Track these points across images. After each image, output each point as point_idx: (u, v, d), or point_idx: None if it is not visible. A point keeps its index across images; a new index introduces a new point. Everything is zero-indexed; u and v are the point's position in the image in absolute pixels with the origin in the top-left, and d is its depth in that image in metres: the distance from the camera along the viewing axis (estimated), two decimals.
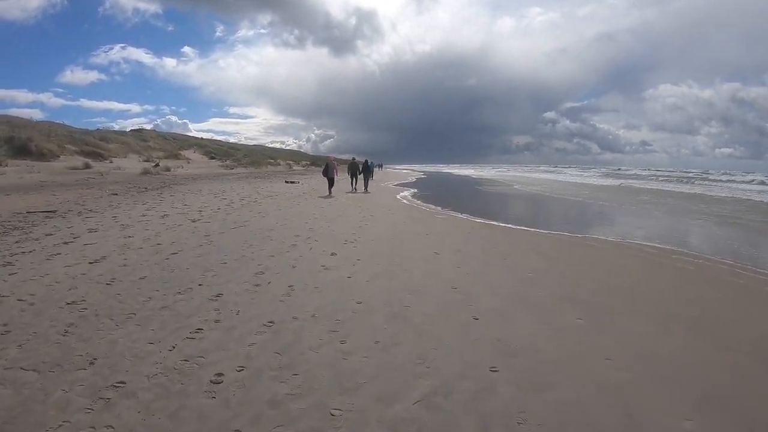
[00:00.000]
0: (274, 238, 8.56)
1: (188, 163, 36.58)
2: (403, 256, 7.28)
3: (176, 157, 36.72)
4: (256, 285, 5.49)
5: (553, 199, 22.03)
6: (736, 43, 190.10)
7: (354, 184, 21.71)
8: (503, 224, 11.81)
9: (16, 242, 8.07)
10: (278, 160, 57.07)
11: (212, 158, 42.41)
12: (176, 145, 43.11)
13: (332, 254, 7.25)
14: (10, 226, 9.41)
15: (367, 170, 22.28)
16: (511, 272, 6.57)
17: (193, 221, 10.47)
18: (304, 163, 67.21)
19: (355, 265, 6.57)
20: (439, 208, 14.95)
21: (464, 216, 13.11)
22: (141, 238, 8.40)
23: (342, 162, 28.85)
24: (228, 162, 41.10)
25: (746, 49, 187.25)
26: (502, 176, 57.86)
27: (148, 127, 61.00)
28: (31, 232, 8.96)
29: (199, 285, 5.51)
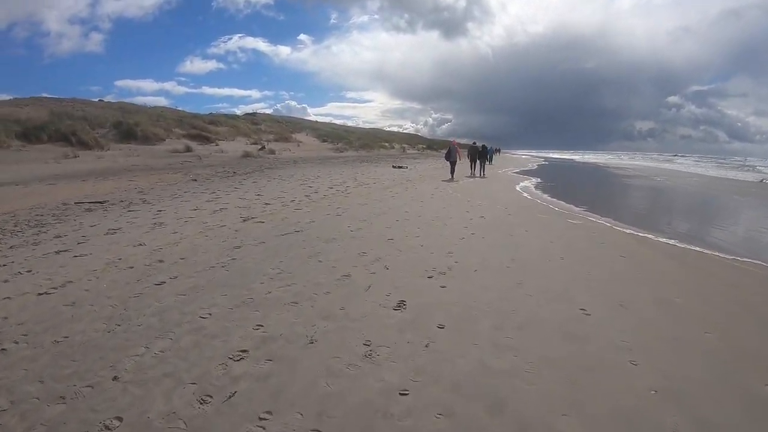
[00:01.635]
0: (324, 259, 5.77)
1: (298, 146, 36.36)
2: (523, 318, 3.90)
3: (286, 140, 36.72)
4: (202, 401, 2.66)
5: (711, 199, 15.92)
6: None
7: (473, 168, 21.91)
8: (666, 240, 7.62)
9: (10, 248, 6.55)
10: (393, 144, 55.10)
11: (324, 141, 41.93)
12: (288, 128, 43.51)
13: (397, 306, 4.14)
14: (34, 222, 8.16)
15: (484, 155, 22.29)
16: (739, 388, 2.90)
17: (244, 220, 8.28)
18: (420, 146, 64.31)
19: (429, 346, 3.36)
20: (573, 207, 10.90)
21: (606, 221, 9.02)
22: (151, 248, 6.32)
23: (462, 146, 26.55)
24: (339, 145, 40.16)
25: None
26: (631, 165, 47.93)
27: (269, 111, 64.01)
28: (45, 231, 7.48)
29: (114, 378, 2.90)
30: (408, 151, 51.58)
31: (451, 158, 19.57)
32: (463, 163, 21.86)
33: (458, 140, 21.24)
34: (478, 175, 21.20)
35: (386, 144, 51.73)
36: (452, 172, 19.35)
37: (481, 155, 21.81)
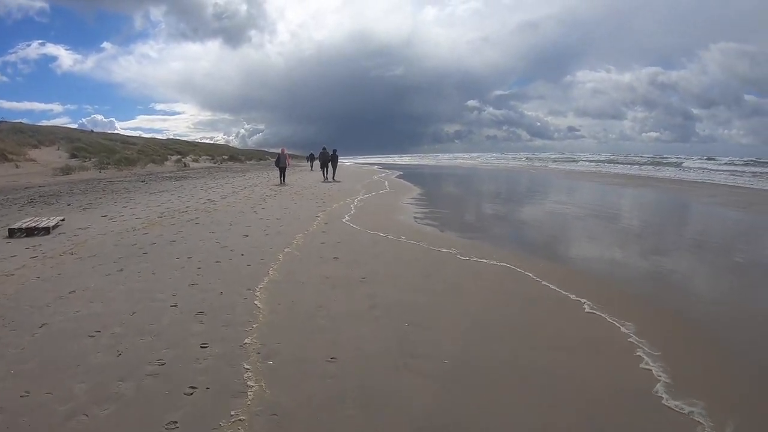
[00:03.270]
0: None
1: (17, 167, 24.73)
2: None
3: (5, 158, 25.00)
4: None
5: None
6: (656, 29, 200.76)
7: (326, 173, 23.34)
8: None
9: None
10: (187, 157, 44.32)
11: (74, 157, 30.31)
12: (30, 140, 30.24)
13: None
14: None
15: (335, 159, 23.61)
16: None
17: None
18: (221, 157, 53.38)
19: None
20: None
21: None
22: None
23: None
24: (90, 162, 28.97)
25: (665, 34, 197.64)
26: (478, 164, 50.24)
27: (73, 126, 47.80)
28: None
29: None
30: (191, 165, 41.00)
31: (280, 164, 21.04)
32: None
33: (270, 149, 17.24)
34: (331, 179, 22.51)
35: (172, 156, 41.11)
36: (282, 177, 20.93)
37: (332, 160, 23.23)
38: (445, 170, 42.12)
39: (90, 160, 30.16)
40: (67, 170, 25.25)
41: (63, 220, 9.61)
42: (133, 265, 5.85)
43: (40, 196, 15.49)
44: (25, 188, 19.26)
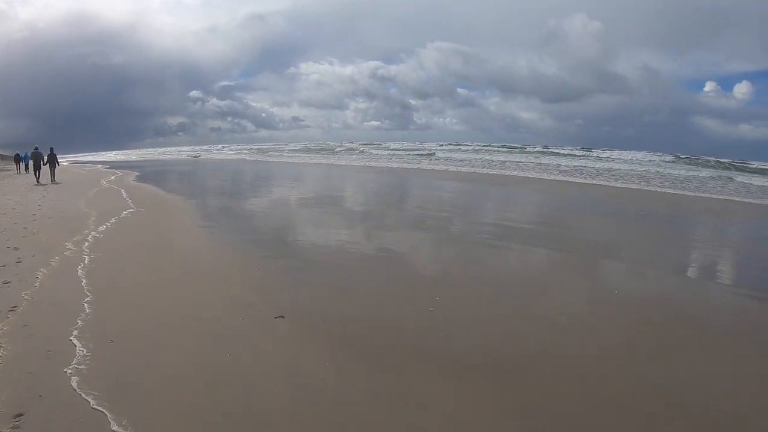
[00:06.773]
0: None
1: None
2: None
3: None
4: None
5: None
6: (378, 29, 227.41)
7: (38, 176, 20.25)
8: None
9: None
10: None
11: None
12: None
13: None
14: None
15: (53, 159, 21.02)
16: None
17: None
18: None
19: None
20: None
21: None
22: None
23: None
24: None
25: (387, 33, 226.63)
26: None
27: None
28: None
29: None
30: None
31: None
32: None
33: None
34: (50, 182, 19.55)
35: None
36: None
37: (50, 161, 20.73)
38: (183, 166, 35.12)
39: None
40: None
41: None
42: None
43: None
44: None
